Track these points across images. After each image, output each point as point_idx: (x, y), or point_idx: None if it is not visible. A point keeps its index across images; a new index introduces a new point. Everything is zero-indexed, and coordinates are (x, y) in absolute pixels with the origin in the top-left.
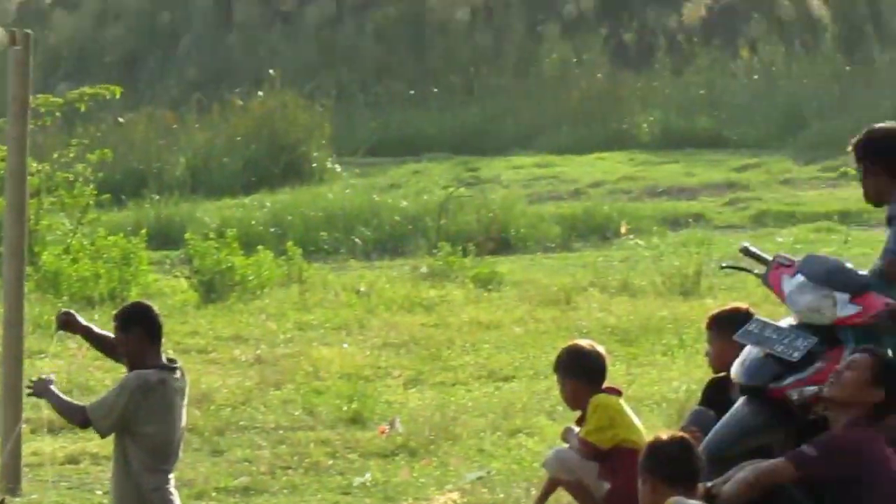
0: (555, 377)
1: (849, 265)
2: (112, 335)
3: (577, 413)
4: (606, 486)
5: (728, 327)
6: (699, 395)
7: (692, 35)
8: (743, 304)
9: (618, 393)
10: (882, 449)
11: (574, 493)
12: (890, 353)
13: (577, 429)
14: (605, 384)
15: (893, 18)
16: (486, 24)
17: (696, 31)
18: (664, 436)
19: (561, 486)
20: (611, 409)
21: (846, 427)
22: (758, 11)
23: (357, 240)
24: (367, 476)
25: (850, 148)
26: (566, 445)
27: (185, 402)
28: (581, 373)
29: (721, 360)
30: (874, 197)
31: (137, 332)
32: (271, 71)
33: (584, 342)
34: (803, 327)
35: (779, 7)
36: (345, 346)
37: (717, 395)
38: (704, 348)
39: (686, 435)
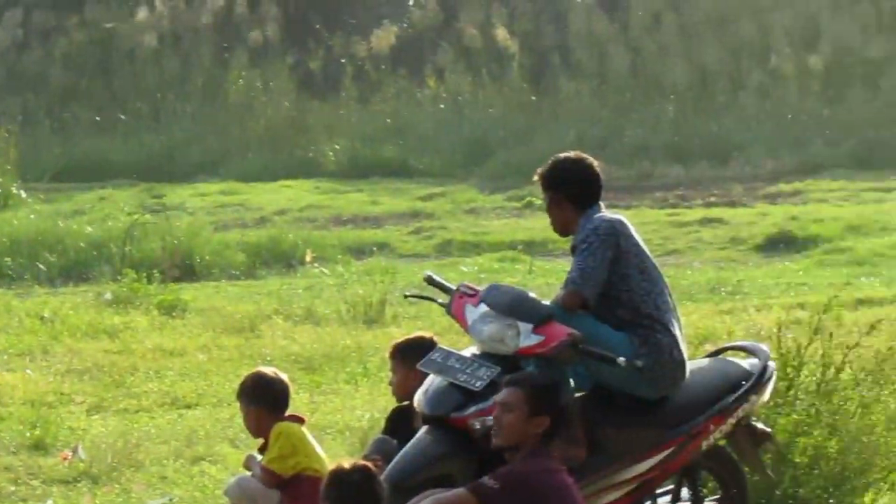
0: (238, 404)
1: (532, 295)
2: None
3: (260, 441)
4: None
5: (411, 356)
6: (383, 423)
7: (380, 63)
8: (427, 333)
9: (300, 421)
10: (562, 478)
11: None
12: (571, 382)
13: (259, 456)
14: (289, 412)
15: (579, 49)
16: (174, 50)
17: (384, 59)
18: (346, 464)
19: None
20: (293, 437)
21: (525, 459)
22: (445, 40)
23: (41, 266)
24: (50, 503)
25: (536, 178)
26: (249, 473)
27: None
28: (264, 400)
29: (404, 389)
30: (560, 227)
31: None
32: None
33: (268, 370)
34: (487, 357)
35: (466, 36)
36: (28, 371)
37: (400, 423)
38: (388, 377)
39: (368, 463)
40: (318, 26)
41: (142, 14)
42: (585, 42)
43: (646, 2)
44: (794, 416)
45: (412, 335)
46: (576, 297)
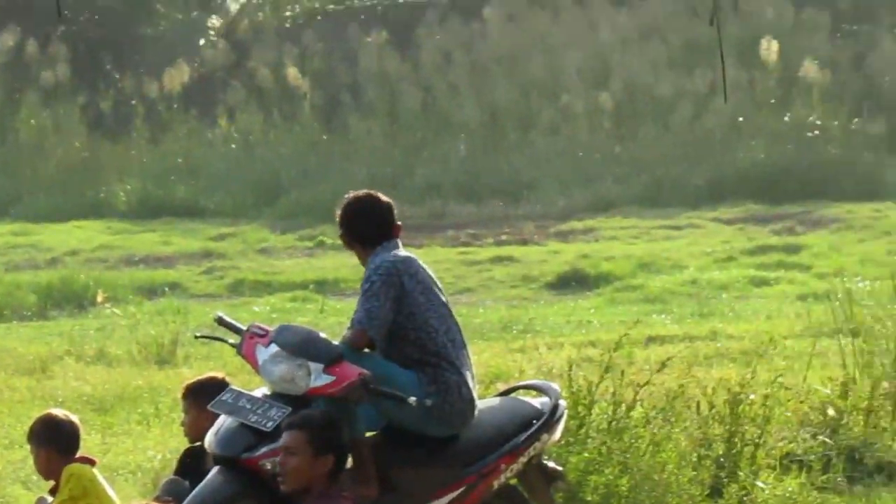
0: (29, 446)
1: (323, 335)
2: None
3: (51, 483)
4: None
5: (203, 396)
6: (175, 464)
7: (171, 103)
8: (219, 374)
9: (91, 462)
10: None
11: None
12: (361, 422)
13: (49, 498)
14: (80, 453)
15: (370, 88)
16: None
17: (175, 99)
18: None
19: None
20: (84, 479)
21: (315, 501)
22: (236, 80)
23: None
24: None
25: (336, 218)
26: None
27: None
28: (54, 442)
29: (196, 429)
30: (363, 264)
31: None
32: None
33: (58, 411)
34: (278, 397)
35: (258, 76)
36: None
37: (192, 464)
38: (181, 417)
39: None
40: (108, 66)
41: None
42: (376, 81)
43: (436, 41)
44: (586, 455)
45: (204, 376)
46: (362, 336)
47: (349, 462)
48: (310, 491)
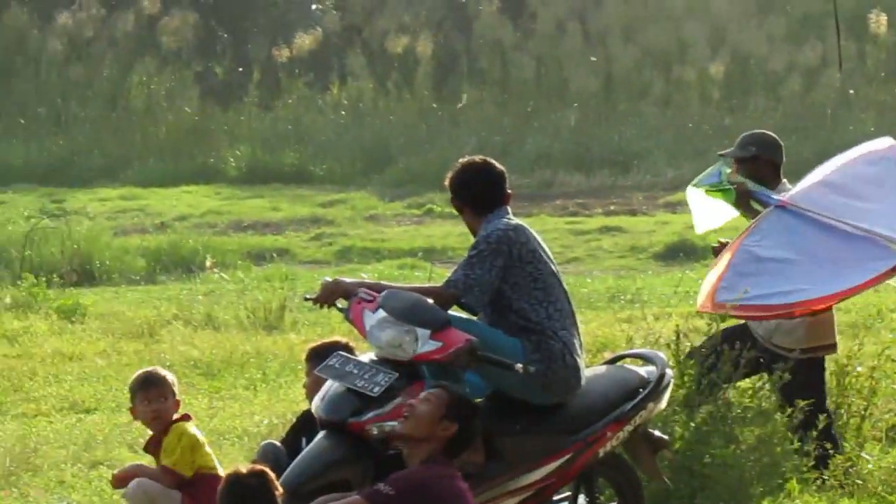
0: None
1: (430, 301)
2: None
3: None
4: None
5: (324, 360)
6: (281, 428)
7: (286, 69)
8: (342, 338)
9: (188, 418)
10: (457, 485)
11: None
12: (468, 388)
13: (145, 464)
14: (184, 415)
15: (482, 57)
16: (80, 56)
17: (290, 65)
18: (243, 469)
19: None
20: (193, 437)
21: (422, 464)
22: (352, 47)
23: None
24: None
25: (446, 182)
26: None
27: None
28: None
29: (316, 392)
30: (471, 231)
31: None
32: None
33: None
34: (384, 362)
35: (373, 43)
36: None
37: (309, 425)
38: (302, 380)
39: (265, 468)
40: (223, 33)
41: (63, 19)
42: (489, 49)
43: (550, 10)
44: (692, 424)
45: (328, 339)
46: (450, 300)
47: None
48: (422, 447)
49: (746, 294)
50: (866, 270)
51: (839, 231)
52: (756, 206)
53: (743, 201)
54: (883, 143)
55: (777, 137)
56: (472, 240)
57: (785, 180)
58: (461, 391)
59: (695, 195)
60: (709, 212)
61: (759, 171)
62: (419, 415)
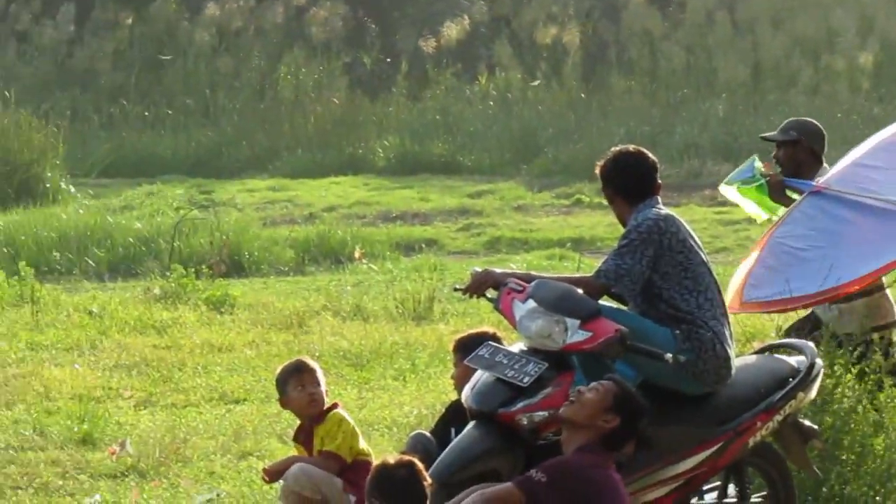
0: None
1: (580, 291)
2: None
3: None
4: (352, 499)
5: (472, 350)
6: (430, 419)
7: (435, 60)
8: (490, 329)
9: (338, 407)
10: (609, 474)
11: None
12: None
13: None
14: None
15: (631, 46)
16: (228, 47)
17: (439, 56)
18: (391, 459)
19: None
20: (349, 423)
21: (576, 452)
22: (500, 37)
23: (90, 261)
24: (97, 497)
25: (597, 171)
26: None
27: None
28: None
29: (464, 383)
30: (619, 220)
31: None
32: (5, 91)
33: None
34: (534, 352)
35: (522, 33)
36: (76, 366)
37: (458, 415)
38: (451, 371)
39: (414, 459)
40: (373, 25)
41: (211, 10)
42: (638, 39)
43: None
44: (841, 414)
45: (475, 330)
46: (601, 290)
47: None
48: (580, 435)
49: (780, 291)
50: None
51: (876, 209)
52: (793, 195)
53: (777, 192)
54: None
55: (820, 126)
56: (621, 230)
57: (826, 166)
58: (632, 388)
59: (729, 193)
60: (753, 205)
61: (798, 156)
62: (585, 401)
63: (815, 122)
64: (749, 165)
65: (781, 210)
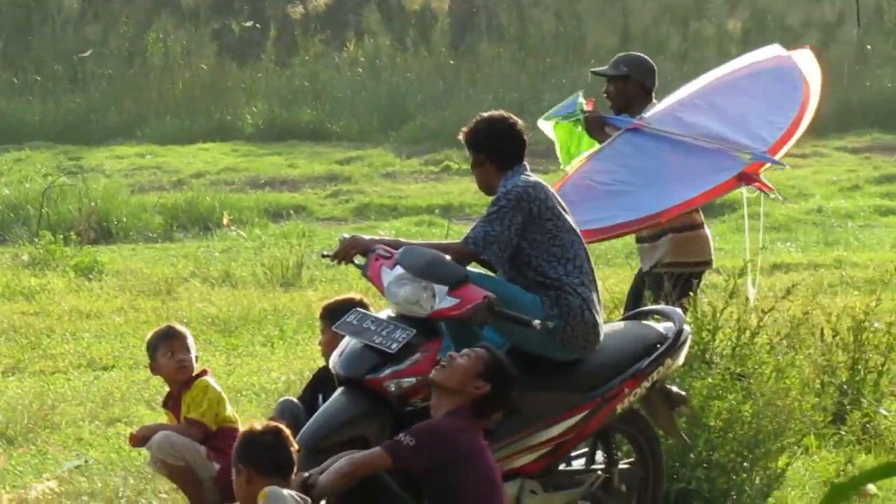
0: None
1: (447, 258)
2: None
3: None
4: (216, 466)
5: (340, 317)
6: (298, 385)
7: (304, 26)
8: (357, 295)
9: (204, 373)
10: (478, 440)
11: (179, 478)
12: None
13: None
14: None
15: (501, 13)
16: (96, 13)
17: (307, 22)
18: (258, 425)
19: (162, 473)
20: (216, 391)
21: (445, 416)
22: (369, 3)
23: None
24: None
25: (460, 136)
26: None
27: None
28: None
29: (331, 350)
30: (483, 187)
31: None
32: None
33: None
34: (402, 319)
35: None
36: None
37: (325, 383)
38: (318, 338)
39: (281, 424)
40: None
41: None
42: (507, 6)
43: None
44: (709, 380)
45: (342, 296)
46: (469, 257)
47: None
48: (450, 399)
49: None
50: (708, 182)
51: (693, 147)
52: (613, 132)
53: (595, 129)
54: (768, 52)
55: (651, 61)
56: (489, 198)
57: (656, 101)
58: (502, 356)
59: (546, 129)
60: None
61: (628, 90)
62: (456, 366)
63: (645, 56)
64: (572, 101)
65: (576, 163)
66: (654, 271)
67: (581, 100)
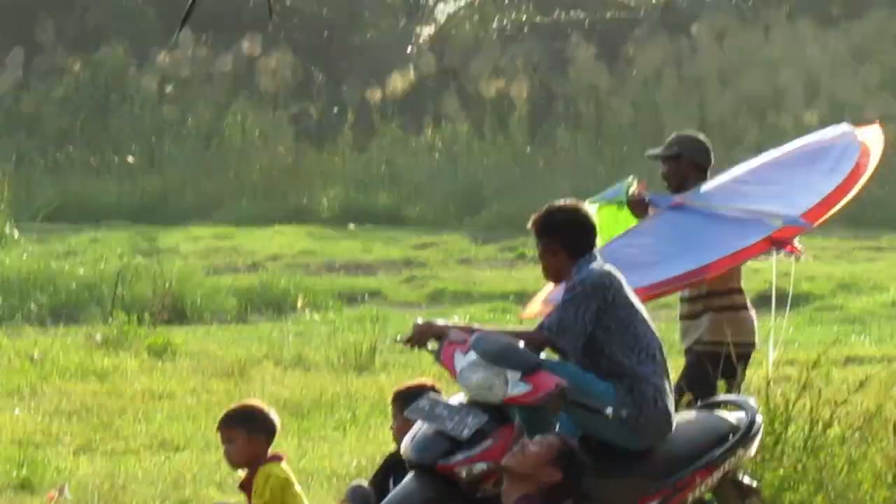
0: (221, 435)
1: (521, 344)
2: None
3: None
4: None
5: (411, 403)
6: (370, 470)
7: (382, 110)
8: (429, 381)
9: (280, 458)
10: None
11: None
12: (557, 429)
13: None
14: (275, 455)
15: (579, 101)
16: (174, 95)
17: (385, 106)
18: None
19: None
20: (281, 479)
21: (516, 503)
22: (446, 89)
23: (32, 306)
24: None
25: (530, 224)
26: None
27: None
28: (262, 430)
29: (403, 435)
30: (553, 275)
31: None
32: None
33: (254, 400)
34: (474, 405)
35: (470, 86)
36: (16, 412)
37: (397, 468)
38: (390, 423)
39: None
40: (321, 76)
41: (161, 57)
42: (585, 94)
43: (646, 56)
44: (781, 472)
45: (414, 382)
46: (543, 343)
47: None
48: (521, 486)
49: None
50: (732, 245)
51: (727, 217)
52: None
53: (638, 209)
54: (837, 129)
55: (705, 141)
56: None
57: (710, 179)
58: (575, 444)
59: (590, 210)
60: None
61: (682, 170)
62: (528, 453)
63: (698, 135)
64: (620, 185)
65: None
66: (693, 349)
67: (629, 181)
